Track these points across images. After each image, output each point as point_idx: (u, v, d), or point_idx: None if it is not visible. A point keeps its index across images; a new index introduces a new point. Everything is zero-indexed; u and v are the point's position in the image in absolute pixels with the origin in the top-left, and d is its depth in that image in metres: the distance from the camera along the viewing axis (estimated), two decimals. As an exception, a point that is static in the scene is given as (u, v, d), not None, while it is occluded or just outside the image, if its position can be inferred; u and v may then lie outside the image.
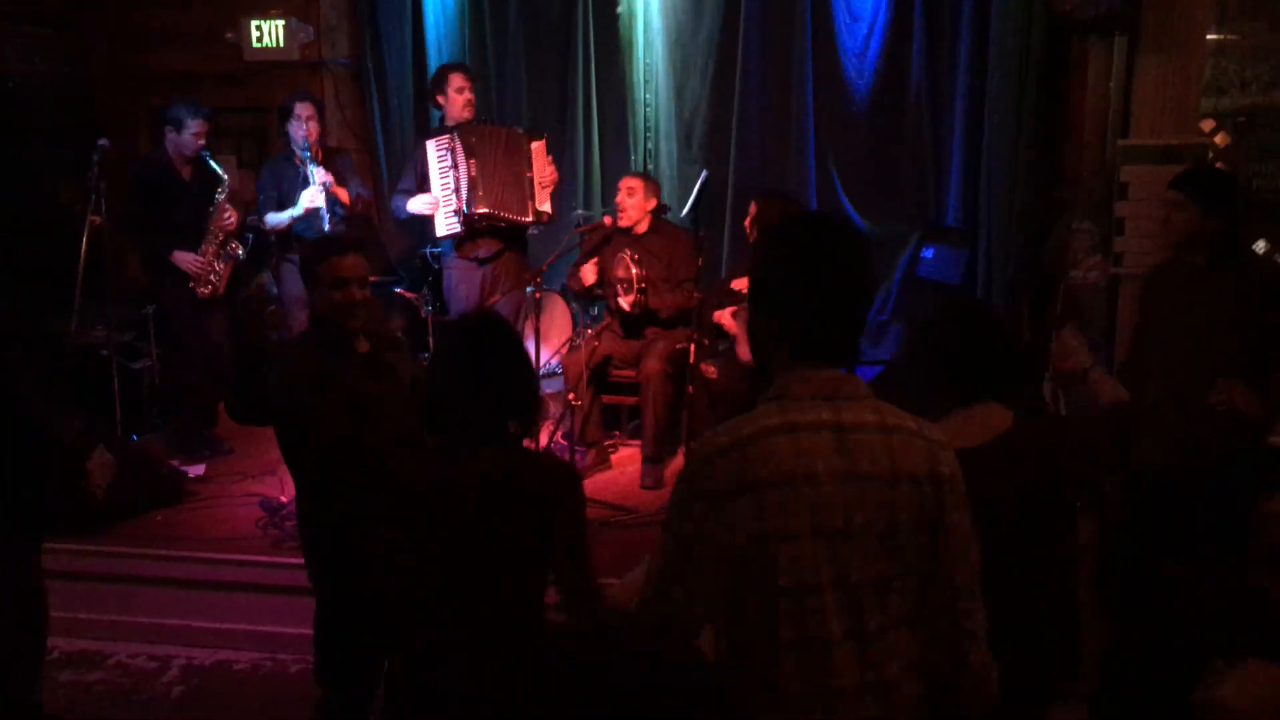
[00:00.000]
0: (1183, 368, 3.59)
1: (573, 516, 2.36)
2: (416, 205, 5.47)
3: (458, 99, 5.52)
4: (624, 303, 5.51)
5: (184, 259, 5.48)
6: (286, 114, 5.61)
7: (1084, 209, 4.82)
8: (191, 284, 5.51)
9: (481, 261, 5.60)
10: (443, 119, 5.64)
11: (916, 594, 1.76)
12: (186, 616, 4.45)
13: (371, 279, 3.30)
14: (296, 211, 5.55)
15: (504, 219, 5.46)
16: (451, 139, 5.57)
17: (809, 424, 1.73)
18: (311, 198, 5.51)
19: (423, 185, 5.51)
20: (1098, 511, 4.06)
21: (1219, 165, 4.39)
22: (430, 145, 5.51)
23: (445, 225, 5.54)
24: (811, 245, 1.81)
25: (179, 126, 5.43)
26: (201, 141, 5.46)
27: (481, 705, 2.27)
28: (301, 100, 5.62)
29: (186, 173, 5.53)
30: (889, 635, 1.74)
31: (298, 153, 5.59)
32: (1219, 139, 4.45)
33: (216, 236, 5.57)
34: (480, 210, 5.39)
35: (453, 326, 2.48)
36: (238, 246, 5.66)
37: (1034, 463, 2.43)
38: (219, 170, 5.51)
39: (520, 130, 5.63)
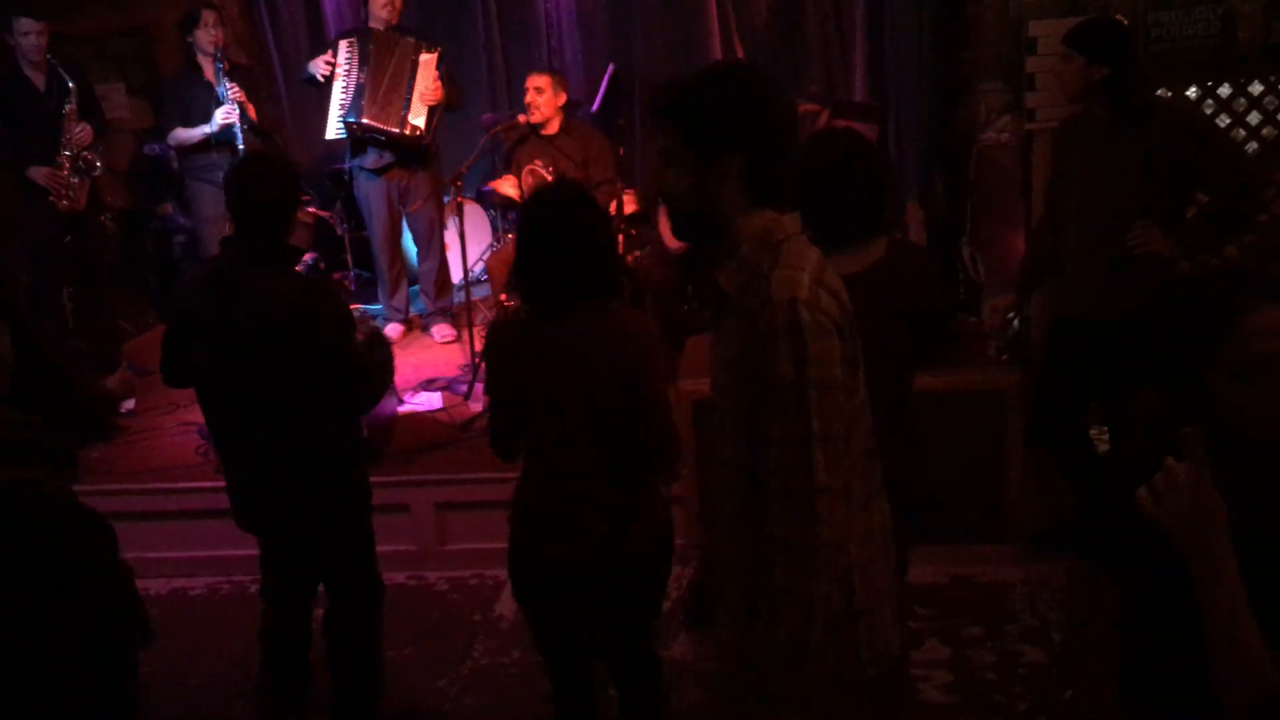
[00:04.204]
0: (1094, 217, 3.71)
1: (656, 368, 2.50)
2: (314, 65, 5.54)
3: None
4: None
5: (39, 173, 5.07)
6: (192, 23, 5.39)
7: (992, 69, 4.86)
8: (51, 198, 5.11)
9: (372, 172, 5.55)
10: (367, 16, 5.56)
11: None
12: (137, 549, 4.35)
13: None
14: (210, 128, 5.39)
15: (382, 132, 5.41)
16: (352, 44, 5.48)
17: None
18: (225, 113, 5.36)
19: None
20: (1024, 364, 4.21)
21: (1118, 16, 4.45)
22: (341, 45, 5.50)
23: (334, 129, 5.54)
24: (768, 90, 1.85)
25: (9, 29, 5.00)
26: (42, 42, 5.01)
27: (590, 544, 2.50)
28: (206, 7, 5.42)
29: (39, 80, 5.11)
30: None
31: (209, 65, 5.41)
32: (1116, -11, 4.52)
33: (71, 149, 5.13)
34: (362, 120, 5.34)
35: (533, 198, 2.59)
36: (94, 158, 5.20)
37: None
38: (66, 79, 5.06)
39: (413, 40, 5.51)
